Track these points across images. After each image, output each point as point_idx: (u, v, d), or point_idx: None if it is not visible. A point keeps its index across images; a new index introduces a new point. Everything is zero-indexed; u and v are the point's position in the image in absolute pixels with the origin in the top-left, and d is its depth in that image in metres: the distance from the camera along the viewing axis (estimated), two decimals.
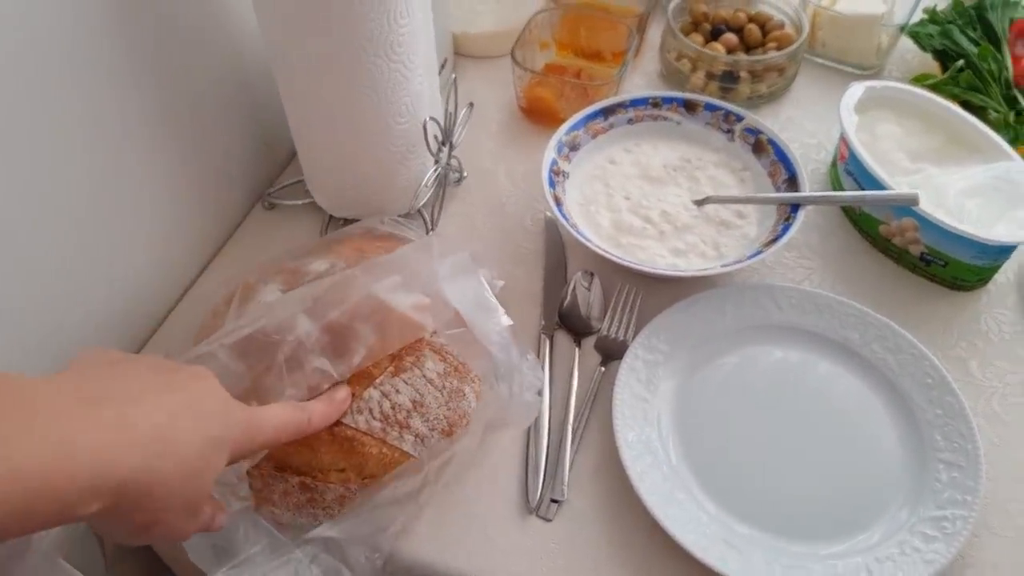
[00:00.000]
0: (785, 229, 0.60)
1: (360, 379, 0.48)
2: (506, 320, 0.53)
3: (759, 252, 0.59)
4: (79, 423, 0.32)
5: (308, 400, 0.46)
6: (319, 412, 0.45)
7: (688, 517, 0.50)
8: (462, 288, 0.51)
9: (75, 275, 0.53)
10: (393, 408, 0.49)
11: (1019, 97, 0.73)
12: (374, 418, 0.48)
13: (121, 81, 0.53)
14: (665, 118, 0.70)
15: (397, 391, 0.49)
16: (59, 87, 0.48)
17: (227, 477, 0.45)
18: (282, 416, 0.42)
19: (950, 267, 0.62)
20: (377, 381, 0.49)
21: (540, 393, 0.56)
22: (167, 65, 0.57)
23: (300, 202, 0.69)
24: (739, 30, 0.79)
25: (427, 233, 0.67)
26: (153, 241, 0.60)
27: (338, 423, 0.47)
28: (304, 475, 0.48)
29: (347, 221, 0.67)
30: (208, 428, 0.36)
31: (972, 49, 0.76)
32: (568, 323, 0.61)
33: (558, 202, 0.63)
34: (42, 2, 0.45)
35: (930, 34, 0.79)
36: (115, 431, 0.32)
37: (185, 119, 0.60)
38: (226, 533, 0.45)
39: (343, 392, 0.47)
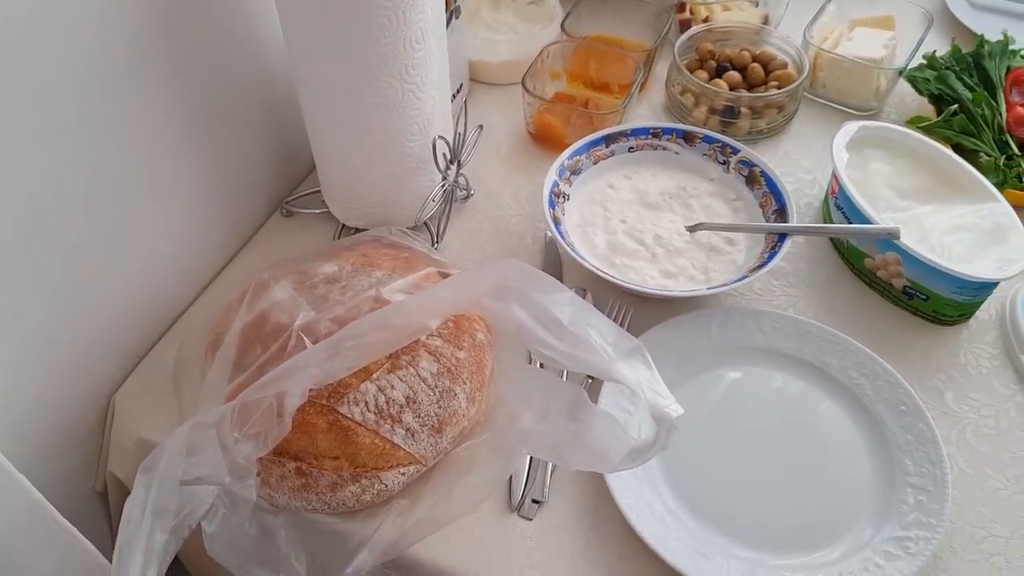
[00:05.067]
0: (771, 256, 0.63)
1: (358, 372, 0.52)
2: (677, 409, 0.47)
3: (745, 277, 0.62)
4: None
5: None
6: None
7: (661, 523, 0.53)
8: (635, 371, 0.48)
9: (101, 264, 0.58)
10: (387, 402, 0.52)
11: (1010, 142, 0.76)
12: (369, 410, 0.51)
13: (159, 94, 0.58)
14: (664, 148, 0.74)
15: (392, 387, 0.52)
16: (103, 95, 0.53)
17: (239, 463, 0.47)
18: None
19: (931, 301, 0.64)
20: (374, 376, 0.52)
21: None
22: (202, 82, 0.61)
23: (316, 211, 0.73)
24: (743, 68, 0.83)
25: (432, 245, 0.70)
26: (176, 240, 0.65)
27: (335, 412, 0.51)
28: (300, 460, 0.51)
29: (359, 230, 0.71)
30: None
31: (967, 94, 0.79)
32: None
33: (557, 222, 0.66)
34: (92, 21, 0.50)
35: (927, 79, 0.82)
36: None
37: (215, 131, 0.65)
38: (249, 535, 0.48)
39: None
